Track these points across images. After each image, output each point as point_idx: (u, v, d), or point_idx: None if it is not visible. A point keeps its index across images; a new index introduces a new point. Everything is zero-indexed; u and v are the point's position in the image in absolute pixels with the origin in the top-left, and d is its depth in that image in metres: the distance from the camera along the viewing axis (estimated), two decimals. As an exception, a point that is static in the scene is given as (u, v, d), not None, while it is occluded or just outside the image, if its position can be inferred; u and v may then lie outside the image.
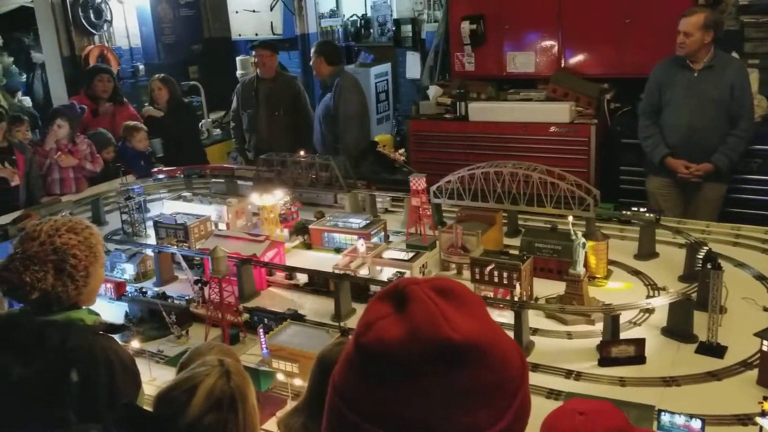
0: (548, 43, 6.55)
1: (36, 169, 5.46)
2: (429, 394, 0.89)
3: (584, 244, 3.14)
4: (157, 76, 6.95)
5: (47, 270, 1.90)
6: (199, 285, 3.42)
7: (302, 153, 4.99)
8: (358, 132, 6.08)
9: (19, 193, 5.29)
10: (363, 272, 3.67)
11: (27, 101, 9.94)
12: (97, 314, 2.07)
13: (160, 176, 5.44)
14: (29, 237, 1.94)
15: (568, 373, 2.75)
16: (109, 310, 3.41)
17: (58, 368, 1.82)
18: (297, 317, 3.17)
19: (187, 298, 3.48)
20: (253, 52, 6.63)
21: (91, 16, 7.88)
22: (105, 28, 8.10)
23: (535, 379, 2.69)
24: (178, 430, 1.65)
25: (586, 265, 3.23)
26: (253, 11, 9.02)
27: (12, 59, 10.72)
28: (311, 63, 6.15)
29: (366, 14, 10.46)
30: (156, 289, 3.68)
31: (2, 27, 11.60)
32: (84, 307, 2.02)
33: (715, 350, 2.79)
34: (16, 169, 5.24)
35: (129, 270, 3.84)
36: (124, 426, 1.70)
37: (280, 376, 2.66)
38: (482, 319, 0.95)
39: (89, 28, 7.88)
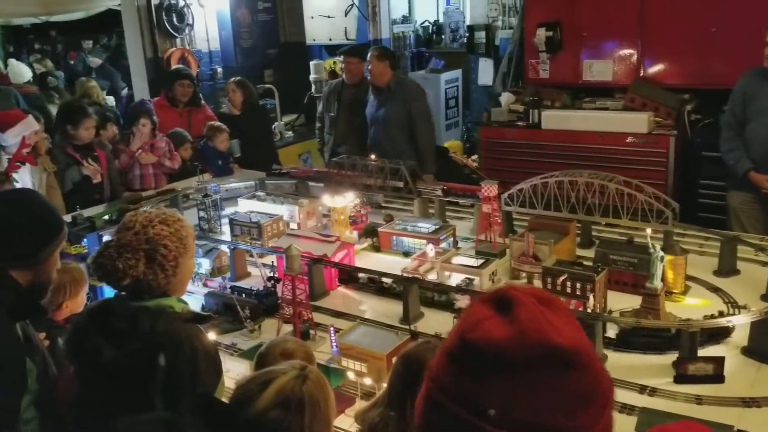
0: (627, 51, 6.40)
1: (115, 166, 5.69)
2: (532, 393, 0.94)
3: (663, 258, 3.05)
4: (233, 79, 7.15)
5: (139, 258, 2.00)
6: (272, 282, 3.51)
7: (373, 157, 5.03)
8: (432, 130, 6.12)
9: (101, 189, 5.51)
10: (431, 277, 3.68)
11: (110, 100, 10.39)
12: (185, 303, 2.16)
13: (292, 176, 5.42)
14: (125, 227, 2.06)
15: (642, 388, 2.68)
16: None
17: (146, 352, 1.91)
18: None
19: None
20: (341, 58, 6.67)
21: (174, 19, 8.18)
22: (186, 31, 8.39)
23: (607, 392, 2.64)
24: (245, 419, 1.71)
25: (663, 279, 3.14)
26: (328, 17, 9.17)
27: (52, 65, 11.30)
28: (369, 68, 6.02)
29: (438, 20, 10.50)
30: (232, 283, 3.80)
31: (88, 29, 12.23)
32: (174, 296, 2.11)
33: (801, 373, 2.67)
34: (99, 166, 5.46)
35: (205, 264, 3.96)
36: (196, 412, 1.77)
37: (350, 375, 2.70)
38: (579, 328, 1.01)
39: (172, 32, 8.18)
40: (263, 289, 3.58)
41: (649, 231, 3.27)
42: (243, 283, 3.79)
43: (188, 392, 1.89)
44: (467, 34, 8.85)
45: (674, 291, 3.38)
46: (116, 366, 1.90)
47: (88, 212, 4.70)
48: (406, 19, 10.08)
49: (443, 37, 10.25)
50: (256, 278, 3.83)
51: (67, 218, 4.18)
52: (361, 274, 3.77)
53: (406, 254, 4.07)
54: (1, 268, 2.02)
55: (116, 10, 8.79)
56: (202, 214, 4.64)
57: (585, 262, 3.49)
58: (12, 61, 9.35)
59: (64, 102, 8.57)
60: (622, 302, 3.29)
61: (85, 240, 4.00)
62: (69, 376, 2.14)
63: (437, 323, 3.19)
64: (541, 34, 6.63)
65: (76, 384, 2.08)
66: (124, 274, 1.98)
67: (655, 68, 6.34)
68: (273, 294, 3.52)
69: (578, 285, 3.12)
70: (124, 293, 2.06)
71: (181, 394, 1.89)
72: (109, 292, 2.66)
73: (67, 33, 13.11)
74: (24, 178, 4.69)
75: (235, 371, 2.83)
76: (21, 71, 8.83)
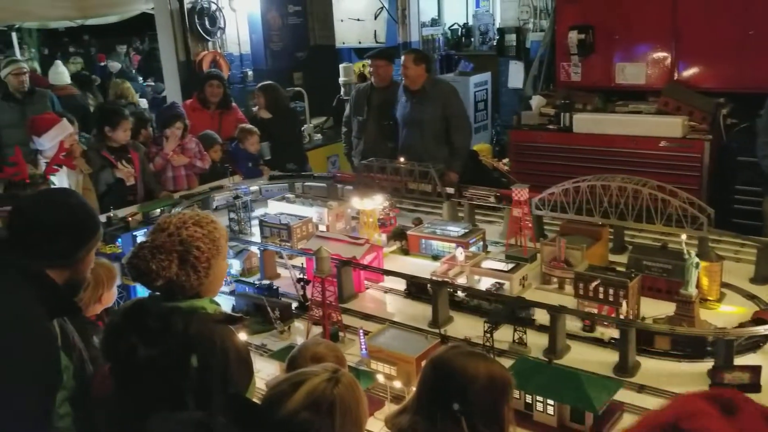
0: (661, 54, 6.31)
1: (149, 167, 5.76)
2: None
3: (698, 264, 3.00)
4: (258, 85, 7.21)
5: (172, 259, 2.02)
6: (302, 284, 3.52)
7: (402, 160, 5.03)
8: (469, 131, 6.10)
9: (134, 190, 5.57)
10: (461, 281, 3.66)
11: (143, 103, 10.56)
12: (218, 304, 2.18)
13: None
14: (159, 228, 2.08)
15: (677, 397, 2.63)
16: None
17: (179, 353, 1.92)
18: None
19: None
20: (369, 61, 6.64)
21: (206, 23, 8.28)
22: (218, 34, 8.48)
23: (640, 401, 2.61)
24: (275, 420, 1.71)
25: (698, 286, 3.09)
26: (358, 20, 9.19)
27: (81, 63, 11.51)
28: (407, 71, 5.88)
29: (467, 23, 10.45)
30: (236, 279, 3.84)
31: (122, 33, 12.46)
32: (206, 297, 2.13)
33: (842, 384, 2.60)
34: (133, 167, 5.52)
35: (236, 265, 3.99)
36: (228, 413, 1.78)
37: (379, 378, 2.69)
38: None
39: (204, 35, 8.28)
40: (265, 284, 3.66)
41: (683, 237, 3.21)
42: (249, 280, 3.85)
43: (220, 392, 1.90)
44: (497, 37, 8.79)
45: (709, 298, 3.32)
46: (150, 365, 1.92)
47: (122, 212, 4.77)
48: (435, 22, 10.06)
49: (472, 39, 10.20)
50: (285, 279, 3.84)
51: (102, 218, 4.24)
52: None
53: (435, 258, 4.06)
54: (39, 268, 2.06)
55: (149, 13, 8.93)
56: (232, 215, 4.68)
57: (618, 268, 3.45)
58: (57, 63, 9.55)
59: (100, 104, 8.71)
60: (656, 309, 3.24)
61: (119, 240, 4.07)
62: (104, 374, 2.17)
63: (466, 327, 3.18)
64: (573, 36, 6.57)
65: (112, 382, 2.10)
66: (157, 275, 2.00)
67: (690, 71, 6.24)
68: (274, 290, 3.57)
69: (611, 291, 3.08)
70: (157, 293, 2.09)
71: (213, 394, 1.90)
72: (142, 291, 2.70)
73: (102, 36, 13.37)
74: (60, 180, 4.77)
75: (265, 372, 2.85)
76: (62, 72, 9.01)
